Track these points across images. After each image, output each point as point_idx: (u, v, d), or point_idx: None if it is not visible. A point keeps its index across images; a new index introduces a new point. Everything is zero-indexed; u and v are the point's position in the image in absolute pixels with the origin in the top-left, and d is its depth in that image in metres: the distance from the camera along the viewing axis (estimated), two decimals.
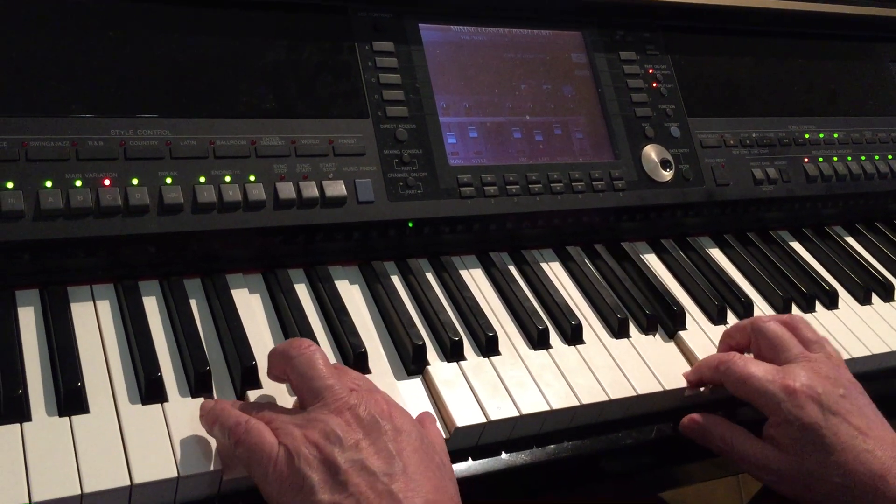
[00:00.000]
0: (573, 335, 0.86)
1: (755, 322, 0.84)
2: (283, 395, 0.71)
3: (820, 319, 0.98)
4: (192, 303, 0.77)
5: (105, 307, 0.75)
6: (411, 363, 0.78)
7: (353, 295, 0.84)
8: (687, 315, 0.92)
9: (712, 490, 1.93)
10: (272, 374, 0.69)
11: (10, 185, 0.72)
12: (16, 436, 0.62)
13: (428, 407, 0.75)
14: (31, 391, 0.65)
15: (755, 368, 0.78)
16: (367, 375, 0.75)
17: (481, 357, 0.81)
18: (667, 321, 0.91)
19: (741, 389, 0.78)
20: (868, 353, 0.95)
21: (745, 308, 0.96)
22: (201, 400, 0.68)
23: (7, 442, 0.61)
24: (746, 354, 0.84)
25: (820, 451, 0.73)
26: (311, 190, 0.82)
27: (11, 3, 0.78)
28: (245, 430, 0.61)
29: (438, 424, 0.72)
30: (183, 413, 0.67)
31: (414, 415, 0.69)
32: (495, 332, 0.82)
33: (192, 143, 0.79)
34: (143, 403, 0.67)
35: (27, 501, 0.58)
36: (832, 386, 0.76)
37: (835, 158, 1.14)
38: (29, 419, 0.63)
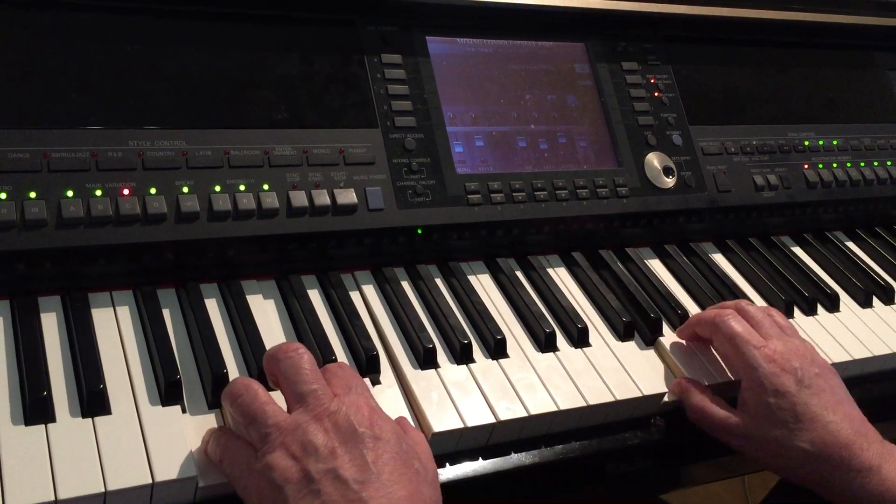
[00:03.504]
0: (579, 338, 0.87)
1: (716, 318, 0.84)
2: None
3: (822, 322, 1.00)
4: (209, 308, 0.79)
5: (125, 312, 0.77)
6: (422, 366, 0.80)
7: (364, 299, 0.86)
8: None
9: (718, 497, 1.93)
10: (268, 378, 0.70)
11: (32, 194, 0.74)
12: (41, 436, 0.64)
13: None
14: (54, 393, 0.67)
15: (743, 329, 0.82)
16: (379, 377, 0.78)
17: (490, 360, 0.83)
18: (671, 324, 0.93)
19: (727, 345, 0.82)
20: (869, 355, 0.96)
21: None
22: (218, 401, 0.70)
23: (33, 442, 0.63)
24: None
25: (790, 419, 0.76)
26: (322, 198, 0.84)
27: (32, 19, 0.80)
28: (224, 448, 0.64)
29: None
30: (201, 414, 0.69)
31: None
32: (503, 336, 0.84)
33: (208, 154, 0.81)
34: (163, 405, 0.69)
35: (53, 499, 0.60)
36: (809, 364, 0.80)
37: (834, 165, 1.16)
38: (53, 420, 0.66)
